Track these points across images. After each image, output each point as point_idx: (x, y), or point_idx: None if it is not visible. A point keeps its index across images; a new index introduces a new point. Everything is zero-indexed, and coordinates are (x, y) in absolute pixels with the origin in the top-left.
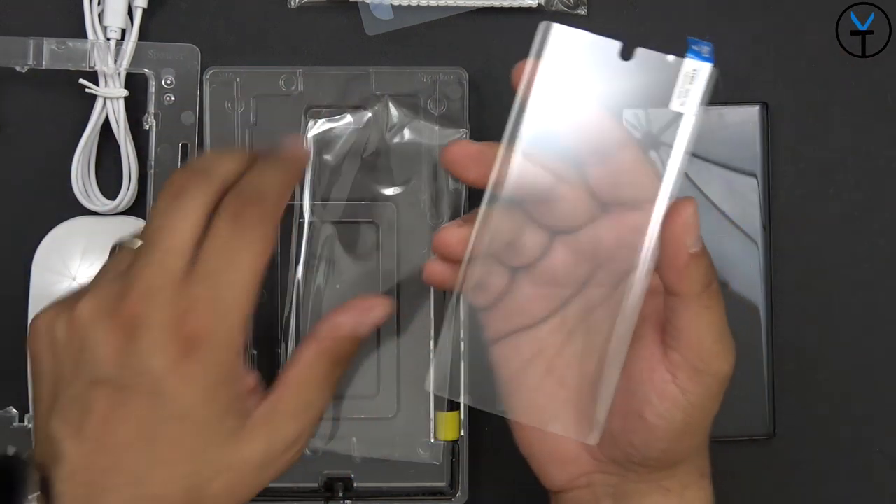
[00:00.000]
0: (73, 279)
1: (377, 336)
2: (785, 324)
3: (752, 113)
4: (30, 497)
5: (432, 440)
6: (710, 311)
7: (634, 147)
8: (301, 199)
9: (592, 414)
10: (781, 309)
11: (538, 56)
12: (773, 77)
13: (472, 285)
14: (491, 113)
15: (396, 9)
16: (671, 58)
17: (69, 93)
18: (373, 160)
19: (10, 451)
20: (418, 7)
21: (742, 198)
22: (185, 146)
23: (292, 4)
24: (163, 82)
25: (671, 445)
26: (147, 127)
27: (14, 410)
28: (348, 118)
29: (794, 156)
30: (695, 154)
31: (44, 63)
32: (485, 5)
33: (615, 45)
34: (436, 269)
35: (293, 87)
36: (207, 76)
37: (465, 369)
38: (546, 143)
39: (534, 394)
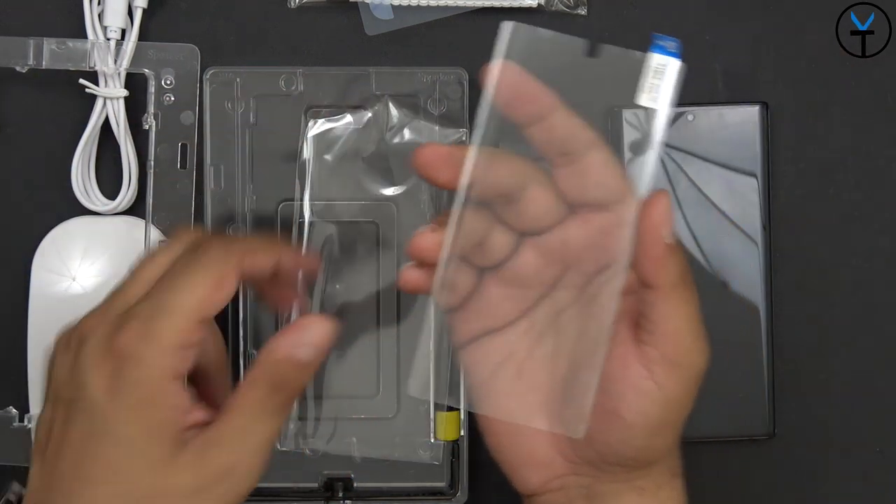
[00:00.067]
0: (73, 279)
1: (377, 336)
2: (785, 324)
3: (752, 113)
4: None
5: (432, 440)
6: (685, 303)
7: (601, 148)
8: (301, 199)
9: (576, 409)
10: (781, 309)
11: (502, 56)
12: (773, 77)
13: (440, 286)
14: None
15: (396, 9)
16: (638, 54)
17: (69, 93)
18: (373, 160)
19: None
20: (418, 7)
21: (742, 198)
22: (184, 146)
23: (292, 4)
24: (163, 82)
25: (647, 442)
26: (147, 127)
27: (14, 410)
28: (348, 118)
29: (794, 156)
30: (695, 154)
31: (44, 63)
32: (485, 5)
33: (580, 43)
34: (412, 276)
35: (293, 87)
36: (207, 76)
37: (447, 371)
38: (513, 145)
39: (505, 398)
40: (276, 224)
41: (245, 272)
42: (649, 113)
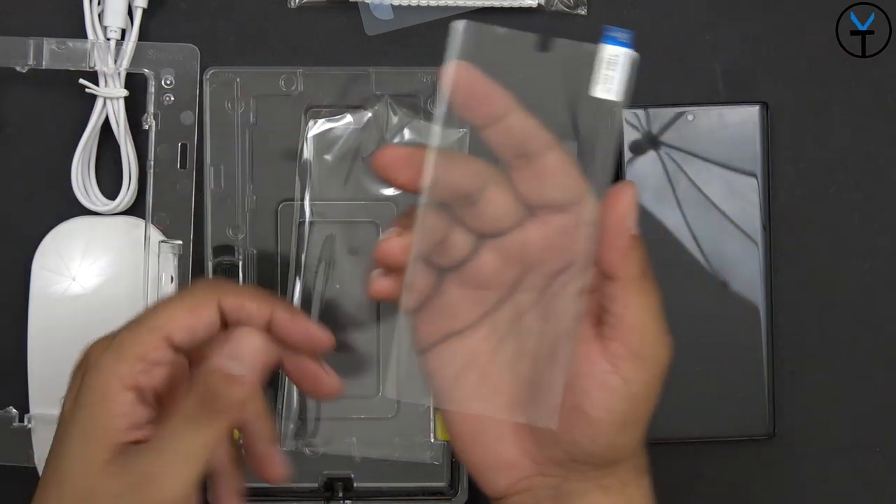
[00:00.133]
0: (73, 279)
1: (377, 336)
2: (785, 324)
3: (752, 113)
4: None
5: (432, 440)
6: (648, 295)
7: (558, 149)
8: (301, 199)
9: (546, 401)
10: (781, 309)
11: (454, 56)
12: (773, 77)
13: (403, 287)
14: None
15: (396, 9)
16: (590, 46)
17: (69, 93)
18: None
19: None
20: (418, 7)
21: (742, 198)
22: (184, 146)
23: (292, 4)
24: (163, 82)
25: (614, 439)
26: (147, 127)
27: (14, 410)
28: (348, 118)
29: (794, 156)
30: (695, 154)
31: (44, 63)
32: (485, 5)
33: (532, 38)
34: (382, 286)
35: (293, 87)
36: (207, 76)
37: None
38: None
39: (470, 402)
40: (277, 224)
41: (229, 311)
42: (604, 104)
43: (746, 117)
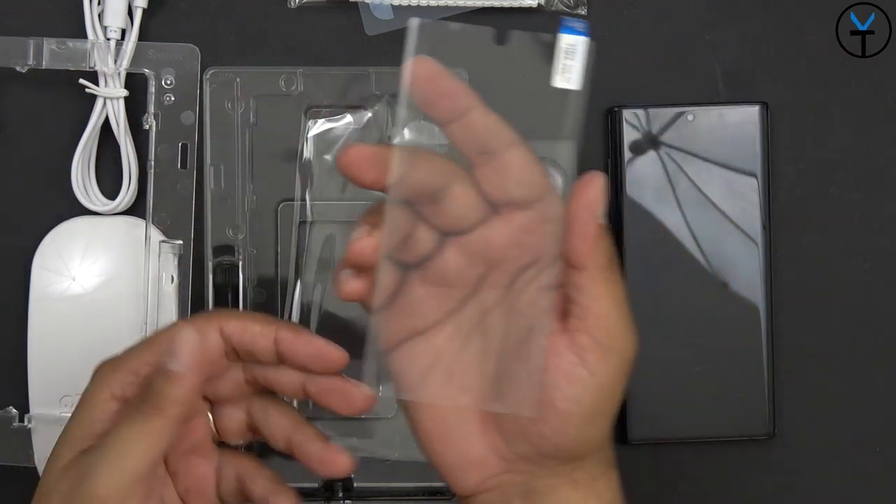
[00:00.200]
0: (73, 279)
1: None
2: (785, 324)
3: (752, 113)
4: None
5: None
6: (615, 285)
7: (520, 146)
8: (301, 199)
9: (524, 391)
10: (781, 309)
11: (412, 54)
12: (773, 77)
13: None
14: None
15: (396, 9)
16: (547, 36)
17: (69, 93)
18: None
19: None
20: (418, 7)
21: (742, 198)
22: (184, 146)
23: (292, 4)
24: (163, 82)
25: (582, 432)
26: (147, 127)
27: (14, 410)
28: (348, 118)
29: (794, 156)
30: (695, 154)
31: (44, 63)
32: (485, 5)
33: (489, 32)
34: (354, 287)
35: (293, 87)
36: (207, 76)
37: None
38: (418, 142)
39: (442, 397)
40: (277, 224)
41: (233, 335)
42: (564, 94)
43: (746, 117)
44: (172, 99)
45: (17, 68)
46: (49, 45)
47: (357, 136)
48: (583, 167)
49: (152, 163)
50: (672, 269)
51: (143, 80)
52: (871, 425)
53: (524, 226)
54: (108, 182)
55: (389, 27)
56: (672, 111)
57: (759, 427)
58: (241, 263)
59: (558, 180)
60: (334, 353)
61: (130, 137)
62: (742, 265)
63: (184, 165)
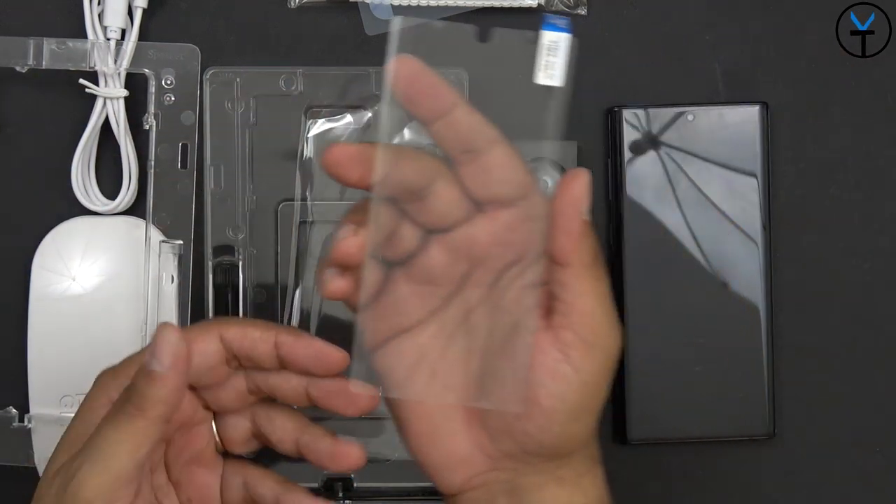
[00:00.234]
0: (73, 279)
1: None
2: (785, 324)
3: (752, 113)
4: None
5: None
6: (599, 282)
7: (503, 143)
8: (301, 199)
9: (511, 386)
10: (781, 309)
11: (396, 54)
12: (773, 77)
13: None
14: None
15: (396, 9)
16: (529, 33)
17: (69, 93)
18: None
19: None
20: (418, 7)
21: (742, 198)
22: (184, 146)
23: (292, 4)
24: (163, 82)
25: (566, 429)
26: (147, 127)
27: (14, 410)
28: (348, 118)
29: (794, 156)
30: (695, 154)
31: (44, 63)
32: (485, 5)
33: (471, 30)
34: (338, 286)
35: (293, 87)
36: (207, 76)
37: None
38: (417, 142)
39: (427, 395)
40: (277, 224)
41: (233, 341)
42: (548, 90)
43: (746, 117)
44: (172, 99)
45: (17, 68)
46: (49, 45)
47: (357, 136)
48: (583, 167)
49: (152, 163)
50: (672, 269)
51: (143, 80)
52: (871, 425)
53: (508, 224)
54: (108, 182)
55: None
56: (672, 111)
57: (759, 427)
58: (241, 263)
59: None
60: (335, 355)
61: (130, 137)
62: (742, 265)
63: (184, 165)
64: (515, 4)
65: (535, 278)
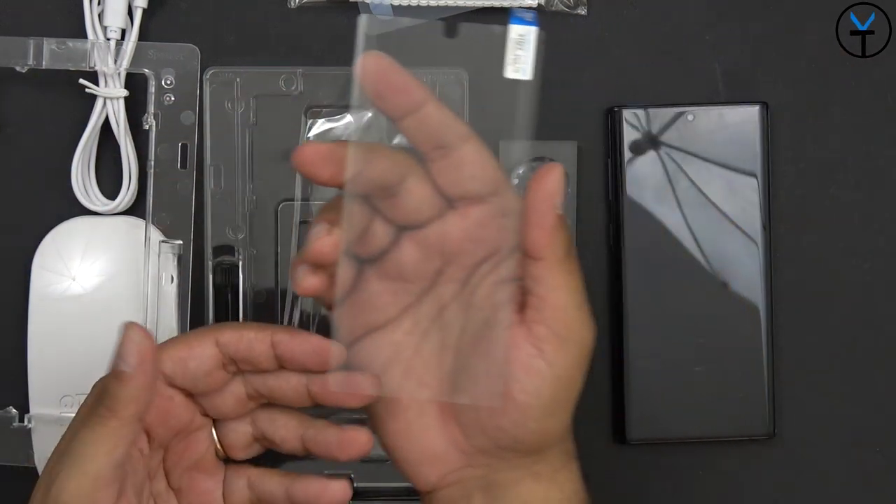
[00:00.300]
0: (73, 279)
1: None
2: (785, 324)
3: (752, 113)
4: None
5: None
6: (572, 276)
7: (474, 140)
8: (301, 199)
9: (490, 380)
10: (781, 309)
11: (363, 50)
12: (773, 77)
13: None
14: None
15: (396, 9)
16: (496, 27)
17: (69, 93)
18: None
19: None
20: (418, 7)
21: (742, 198)
22: (184, 146)
23: (292, 4)
24: (163, 82)
25: (541, 424)
26: (147, 127)
27: (14, 410)
28: (348, 118)
29: (794, 156)
30: (695, 154)
31: (44, 63)
32: (485, 5)
33: (438, 25)
34: (311, 284)
35: (293, 87)
36: (207, 76)
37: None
38: (388, 139)
39: (395, 398)
40: (277, 224)
41: (229, 344)
42: (517, 84)
43: (746, 117)
44: (172, 99)
45: (17, 68)
46: (49, 45)
47: (357, 137)
48: (583, 167)
49: (152, 163)
50: (672, 269)
51: (143, 80)
52: (871, 425)
53: (480, 220)
54: (108, 182)
55: (389, 27)
56: (672, 111)
57: (759, 427)
58: (241, 263)
59: None
60: (333, 349)
61: (130, 137)
62: (742, 265)
63: (184, 165)
64: (515, 4)
65: (508, 274)
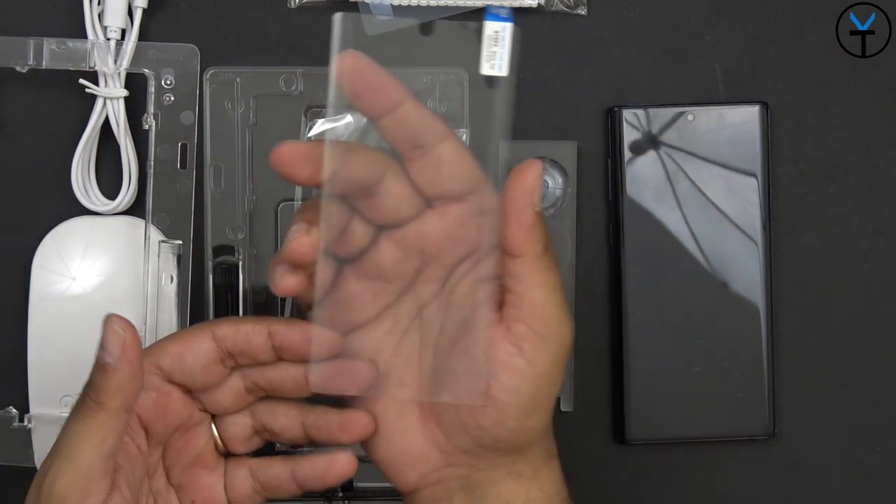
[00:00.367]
0: (73, 279)
1: None
2: (785, 324)
3: (752, 113)
4: None
5: None
6: (550, 273)
7: (452, 139)
8: (301, 199)
9: (472, 378)
10: (781, 309)
11: (339, 49)
12: (773, 77)
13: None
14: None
15: (396, 9)
16: (472, 24)
17: (69, 93)
18: None
19: None
20: (418, 7)
21: (742, 198)
22: (184, 146)
23: (292, 4)
24: (163, 82)
25: (521, 423)
26: (147, 127)
27: (14, 410)
28: (348, 118)
29: (794, 156)
30: (695, 154)
31: (44, 63)
32: (485, 5)
33: (414, 24)
34: (290, 284)
35: (293, 87)
36: (207, 76)
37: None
38: (366, 138)
39: (374, 398)
40: (277, 224)
41: (227, 338)
42: (493, 81)
43: (746, 117)
44: (172, 99)
45: (17, 68)
46: (49, 45)
47: (357, 137)
48: (583, 167)
49: (152, 163)
50: (672, 269)
51: (143, 80)
52: (871, 425)
53: (458, 219)
54: (108, 182)
55: (389, 27)
56: (672, 111)
57: (759, 427)
58: (241, 263)
59: (559, 180)
60: (331, 336)
61: (130, 137)
62: (742, 265)
63: (184, 165)
64: (515, 4)
65: (487, 272)
